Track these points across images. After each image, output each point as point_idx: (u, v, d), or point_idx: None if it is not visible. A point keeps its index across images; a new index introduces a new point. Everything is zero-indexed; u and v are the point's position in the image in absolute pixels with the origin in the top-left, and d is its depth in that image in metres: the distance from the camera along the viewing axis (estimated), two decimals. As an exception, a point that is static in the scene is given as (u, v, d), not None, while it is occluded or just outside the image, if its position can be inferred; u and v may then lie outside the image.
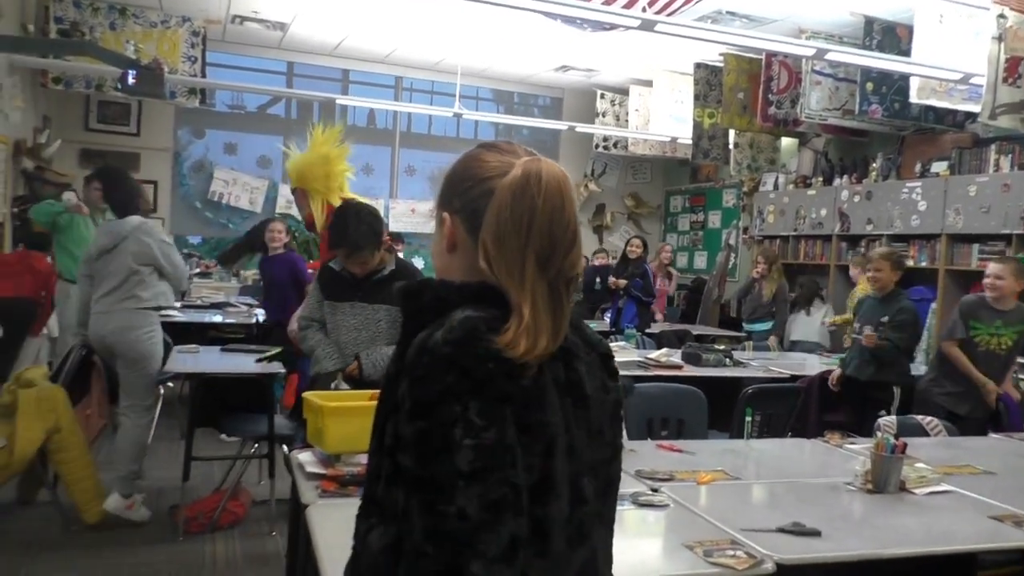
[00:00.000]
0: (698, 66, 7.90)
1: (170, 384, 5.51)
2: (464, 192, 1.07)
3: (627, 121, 9.10)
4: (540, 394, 0.98)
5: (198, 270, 8.20)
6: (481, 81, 9.36)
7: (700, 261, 9.78)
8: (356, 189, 9.40)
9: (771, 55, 7.00)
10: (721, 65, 7.60)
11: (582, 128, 8.55)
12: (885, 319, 4.38)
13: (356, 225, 2.93)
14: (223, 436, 4.53)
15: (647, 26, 4.88)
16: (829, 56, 5.17)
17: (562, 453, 1.00)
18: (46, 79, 6.99)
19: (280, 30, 7.85)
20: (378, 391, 2.31)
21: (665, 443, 2.76)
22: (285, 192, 8.79)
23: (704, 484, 2.32)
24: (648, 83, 8.77)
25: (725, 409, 3.94)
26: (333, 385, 2.80)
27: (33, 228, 5.66)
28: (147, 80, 4.43)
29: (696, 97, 7.94)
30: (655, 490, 2.22)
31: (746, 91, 7.48)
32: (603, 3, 5.93)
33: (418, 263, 7.80)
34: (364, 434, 2.15)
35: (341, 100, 8.01)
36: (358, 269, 2.99)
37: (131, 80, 4.46)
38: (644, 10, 5.19)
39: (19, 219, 6.56)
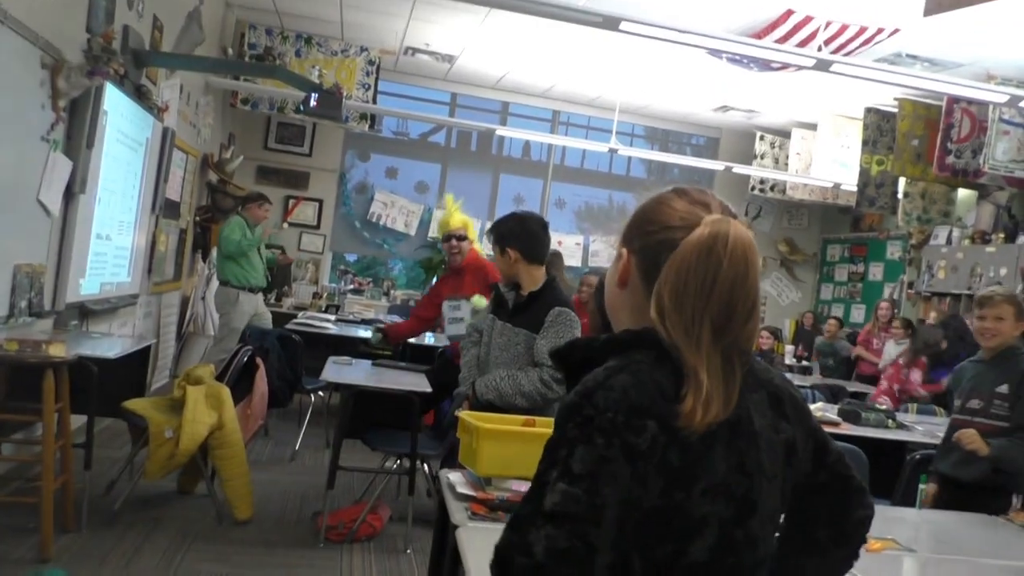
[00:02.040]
0: (868, 111, 7.54)
1: (320, 393, 5.78)
2: (646, 234, 1.07)
3: (787, 164, 8.80)
4: (677, 439, 0.95)
5: (351, 287, 8.56)
6: (638, 119, 9.33)
7: (858, 315, 9.25)
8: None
9: (953, 100, 6.57)
10: (894, 110, 7.21)
11: (739, 169, 8.33)
12: (1003, 389, 2.98)
13: (507, 220, 3.06)
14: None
15: (822, 66, 4.71)
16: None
17: (701, 493, 0.96)
18: (235, 99, 7.58)
19: (448, 62, 8.15)
20: (532, 417, 2.29)
21: (827, 504, 2.57)
22: (439, 217, 9.06)
23: (873, 552, 2.14)
24: (812, 126, 8.46)
25: (883, 474, 3.66)
26: (457, 411, 2.84)
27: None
28: (327, 103, 4.69)
29: (865, 142, 7.57)
30: (818, 553, 2.06)
31: (921, 138, 7.05)
32: (775, 42, 5.79)
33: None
34: (517, 458, 2.17)
35: (500, 131, 8.19)
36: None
37: (313, 103, 4.73)
38: (820, 49, 5.01)
39: (200, 227, 7.10)
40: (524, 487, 2.12)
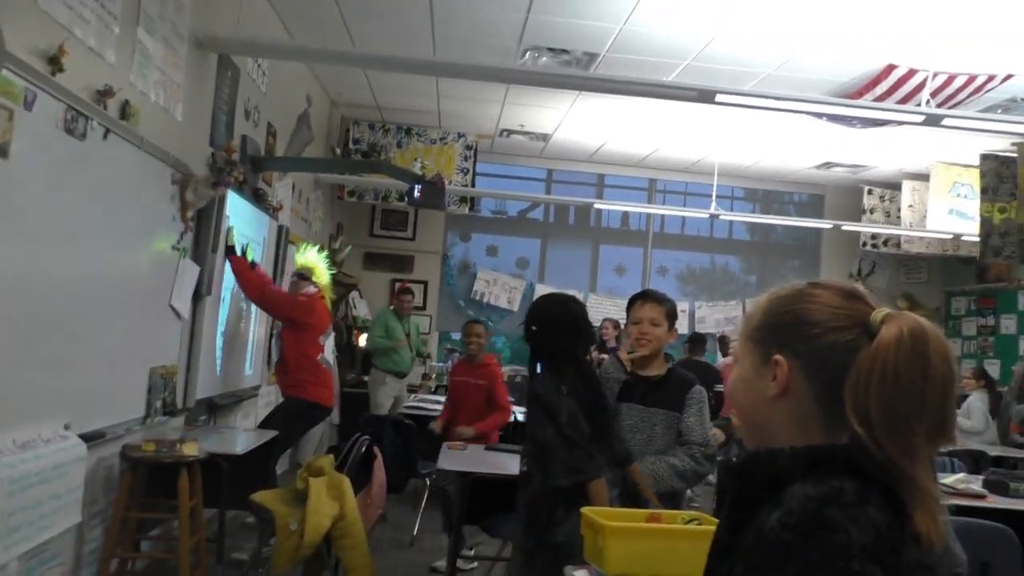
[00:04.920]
0: (985, 157, 7.19)
1: (435, 476, 5.81)
2: (811, 338, 0.98)
3: (899, 217, 8.46)
4: None
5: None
6: (737, 181, 9.22)
7: (992, 371, 8.64)
8: (606, 287, 9.72)
9: (1079, 143, 6.21)
10: (1014, 155, 6.86)
11: (849, 227, 8.07)
12: None
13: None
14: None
15: (933, 121, 4.57)
16: None
17: None
18: (342, 192, 7.94)
19: (543, 140, 8.32)
20: (654, 511, 2.18)
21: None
22: (541, 292, 9.13)
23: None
24: (923, 177, 8.14)
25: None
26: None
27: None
28: (431, 194, 4.85)
29: (984, 191, 7.20)
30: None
31: (1047, 183, 6.66)
32: (875, 100, 5.65)
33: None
34: (645, 555, 2.10)
35: (598, 204, 8.25)
36: None
37: (417, 194, 4.90)
38: (928, 102, 4.85)
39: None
40: (656, 588, 2.05)
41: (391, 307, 7.27)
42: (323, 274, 5.21)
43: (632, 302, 3.06)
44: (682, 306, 9.33)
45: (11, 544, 2.73)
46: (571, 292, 8.96)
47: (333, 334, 5.18)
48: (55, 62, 2.83)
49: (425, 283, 9.14)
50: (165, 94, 3.79)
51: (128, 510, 3.52)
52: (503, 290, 9.18)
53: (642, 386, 2.98)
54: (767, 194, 9.84)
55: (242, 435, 4.63)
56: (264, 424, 5.00)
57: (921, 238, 8.47)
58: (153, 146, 3.63)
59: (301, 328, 4.90)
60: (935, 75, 5.27)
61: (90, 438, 3.22)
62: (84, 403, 3.24)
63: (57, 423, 3.03)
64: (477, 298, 9.18)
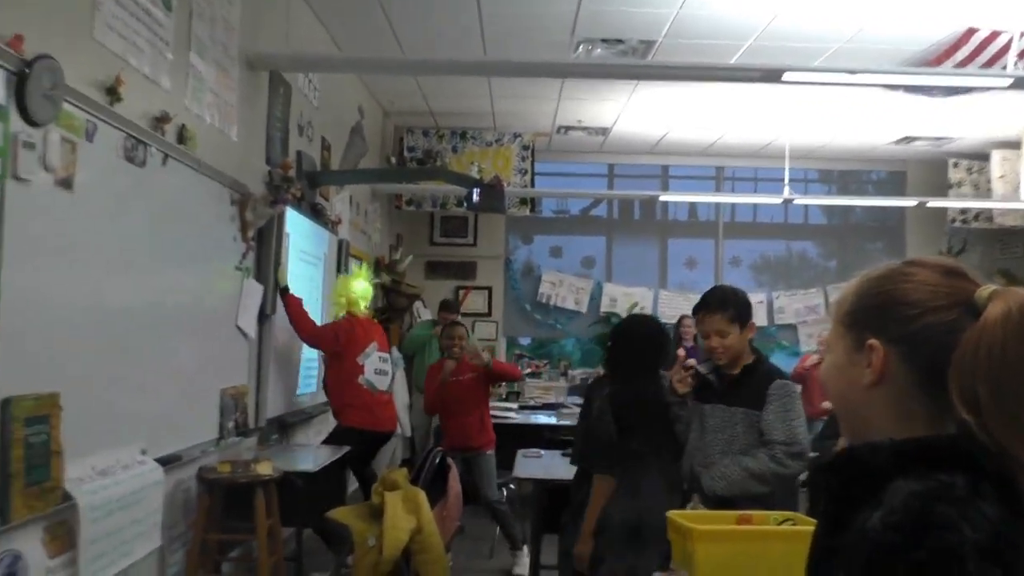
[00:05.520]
0: (1080, 118, 6.74)
1: (511, 486, 5.70)
2: (907, 320, 0.91)
3: (989, 190, 8.00)
4: None
5: (529, 370, 8.51)
6: (809, 163, 8.85)
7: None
8: (676, 282, 9.35)
9: None
10: (1113, 114, 6.39)
11: (935, 203, 7.65)
12: None
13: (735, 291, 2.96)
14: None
15: (1021, 84, 4.25)
16: None
17: None
18: (400, 202, 7.92)
19: (602, 135, 8.15)
20: (747, 513, 2.01)
21: None
22: (609, 291, 8.95)
23: None
24: (1014, 145, 7.67)
25: None
26: (690, 506, 2.61)
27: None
28: (490, 196, 4.75)
29: (1081, 154, 6.74)
30: None
31: None
32: (956, 66, 5.32)
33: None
34: (737, 560, 1.96)
35: (664, 197, 8.02)
36: None
37: (476, 198, 4.81)
38: (1015, 64, 4.52)
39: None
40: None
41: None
42: (349, 291, 5.04)
43: (695, 315, 2.96)
44: (759, 297, 8.96)
45: (95, 571, 2.72)
46: (640, 289, 8.92)
47: (378, 353, 5.03)
48: (113, 92, 2.84)
49: (489, 288, 9.03)
50: (220, 116, 3.79)
51: (207, 532, 3.52)
52: (570, 291, 9.00)
53: (724, 385, 2.86)
54: (843, 174, 9.43)
55: (314, 452, 4.61)
56: None
57: (1016, 210, 7.99)
58: (211, 168, 3.62)
59: (342, 355, 4.83)
60: (1022, 35, 4.92)
61: (166, 462, 3.22)
62: (159, 427, 3.24)
63: (134, 448, 3.03)
64: (543, 301, 9.02)
